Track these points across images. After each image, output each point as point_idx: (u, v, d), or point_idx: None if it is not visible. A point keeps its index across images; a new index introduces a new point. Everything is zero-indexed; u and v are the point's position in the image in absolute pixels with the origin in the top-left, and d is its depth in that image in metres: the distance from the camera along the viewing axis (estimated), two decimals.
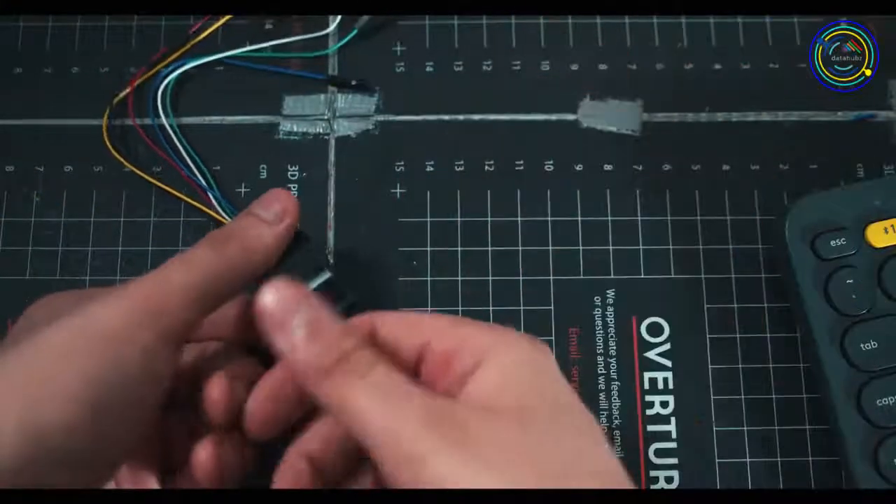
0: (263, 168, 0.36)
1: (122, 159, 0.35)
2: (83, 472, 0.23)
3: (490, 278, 0.35)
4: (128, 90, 0.36)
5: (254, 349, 0.32)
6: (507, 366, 0.23)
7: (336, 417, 0.23)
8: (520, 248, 0.35)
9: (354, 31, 0.37)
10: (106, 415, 0.23)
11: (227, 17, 0.37)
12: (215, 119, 0.37)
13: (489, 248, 0.35)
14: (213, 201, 0.35)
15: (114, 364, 0.23)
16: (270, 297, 0.23)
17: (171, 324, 0.25)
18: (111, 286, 0.29)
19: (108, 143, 0.36)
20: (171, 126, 0.36)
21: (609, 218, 0.36)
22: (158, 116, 0.36)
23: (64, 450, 0.22)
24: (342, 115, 0.37)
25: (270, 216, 0.29)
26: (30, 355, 0.23)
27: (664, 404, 0.34)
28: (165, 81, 0.36)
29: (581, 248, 0.35)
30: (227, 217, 0.35)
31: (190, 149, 0.36)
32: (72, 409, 0.22)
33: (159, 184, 0.35)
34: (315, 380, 0.23)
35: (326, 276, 0.30)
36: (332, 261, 0.35)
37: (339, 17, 0.37)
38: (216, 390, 0.27)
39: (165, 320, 0.24)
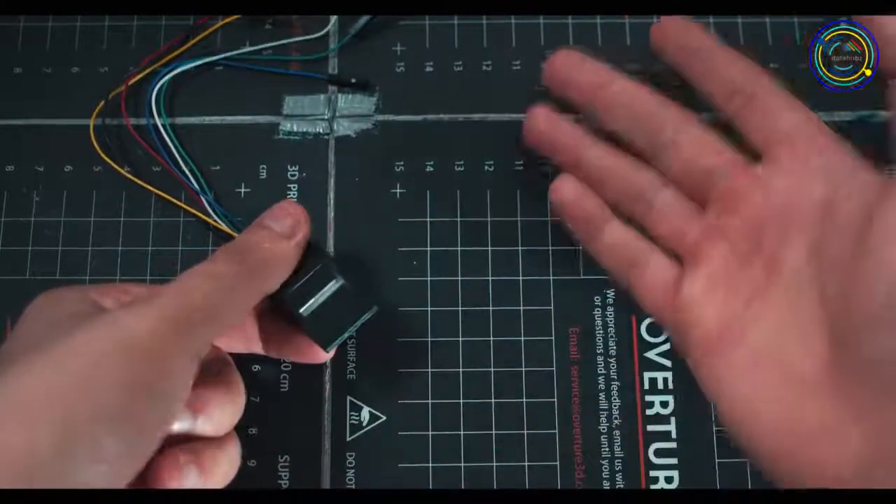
0: (263, 168, 0.36)
1: (108, 159, 0.35)
2: (101, 486, 0.23)
3: (490, 278, 0.35)
4: (120, 88, 0.36)
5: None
6: None
7: None
8: (519, 249, 0.35)
9: (350, 35, 0.37)
10: (132, 428, 0.23)
11: (234, 16, 0.37)
12: (215, 119, 0.37)
13: (489, 248, 0.35)
14: (206, 205, 0.35)
15: (143, 377, 0.23)
16: None
17: (196, 338, 0.25)
18: (117, 283, 0.29)
19: (94, 143, 0.36)
20: (164, 127, 0.36)
21: None
22: (153, 117, 0.36)
23: (91, 463, 0.22)
24: (342, 114, 0.37)
25: (284, 229, 0.29)
26: (62, 359, 0.22)
27: (664, 404, 0.34)
28: (160, 83, 0.36)
29: (581, 247, 0.35)
30: (219, 221, 0.35)
31: (183, 151, 0.36)
32: (104, 422, 0.22)
33: (150, 187, 0.35)
34: None
35: (340, 283, 0.30)
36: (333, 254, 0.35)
37: (335, 18, 0.37)
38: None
39: (190, 335, 0.24)
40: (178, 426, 0.27)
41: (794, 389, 0.25)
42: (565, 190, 0.32)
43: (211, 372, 0.28)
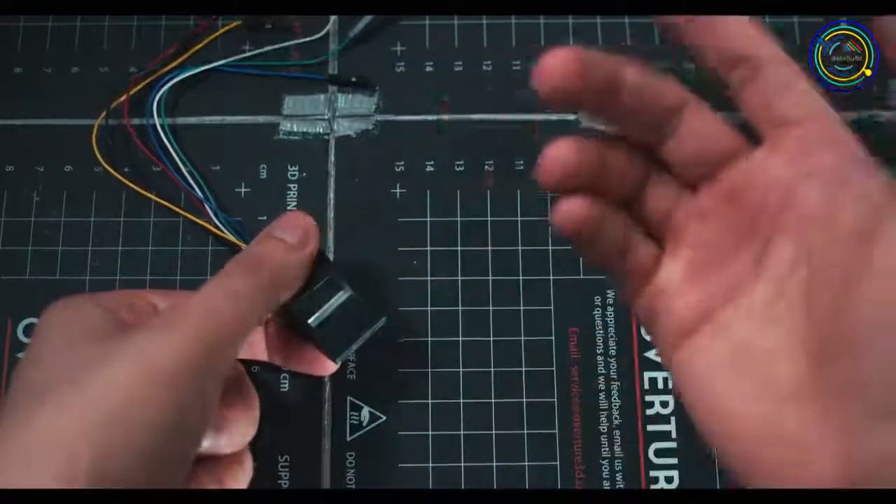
0: (263, 168, 0.36)
1: (108, 167, 0.35)
2: None
3: (490, 278, 0.35)
4: (121, 99, 0.36)
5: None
6: None
7: None
8: (520, 248, 0.35)
9: (347, 41, 0.37)
10: (162, 461, 0.23)
11: (234, 24, 0.37)
12: (215, 119, 0.37)
13: (489, 248, 0.35)
14: (210, 213, 0.34)
15: (173, 409, 0.23)
16: None
17: (222, 361, 0.25)
18: (128, 291, 0.29)
19: (95, 148, 0.35)
20: (163, 129, 0.36)
21: None
22: (155, 127, 0.36)
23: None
24: (342, 114, 0.37)
25: (296, 241, 0.29)
26: (95, 396, 0.22)
27: (664, 404, 0.34)
28: (161, 91, 0.36)
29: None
30: (223, 229, 0.34)
31: (184, 157, 0.36)
32: (134, 460, 0.22)
33: (150, 195, 0.35)
34: None
35: (348, 294, 0.30)
36: (332, 256, 0.35)
37: (334, 18, 0.37)
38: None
39: (217, 359, 0.24)
40: (201, 447, 0.27)
41: (773, 393, 0.23)
42: (574, 212, 0.25)
43: (229, 387, 0.28)
